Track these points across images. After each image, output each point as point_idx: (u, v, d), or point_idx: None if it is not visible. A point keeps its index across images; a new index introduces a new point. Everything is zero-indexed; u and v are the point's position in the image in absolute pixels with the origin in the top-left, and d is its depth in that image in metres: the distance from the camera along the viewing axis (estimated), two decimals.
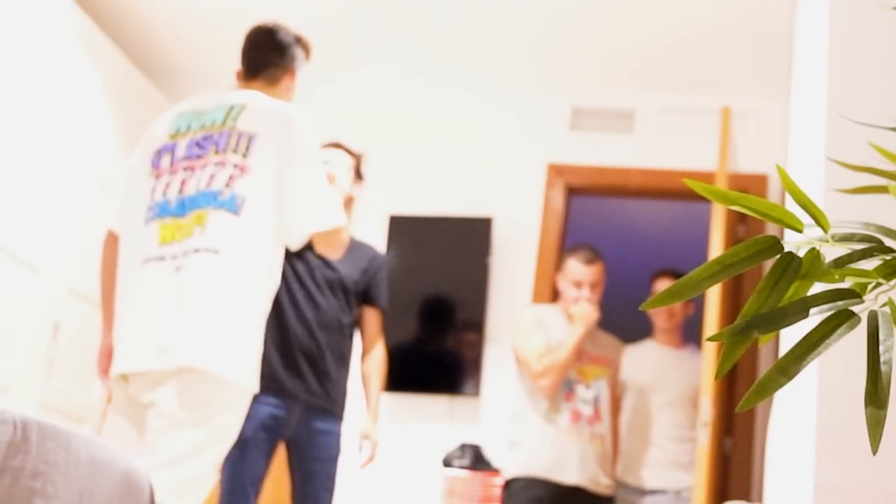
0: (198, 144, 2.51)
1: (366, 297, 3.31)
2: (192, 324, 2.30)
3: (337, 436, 3.17)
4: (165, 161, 2.53)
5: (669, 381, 3.87)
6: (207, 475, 2.29)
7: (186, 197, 2.44)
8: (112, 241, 2.59)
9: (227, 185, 2.41)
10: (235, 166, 2.43)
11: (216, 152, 2.47)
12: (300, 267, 3.18)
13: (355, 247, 3.34)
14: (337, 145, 3.30)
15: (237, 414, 2.36)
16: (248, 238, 2.38)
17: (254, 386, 2.37)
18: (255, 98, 2.59)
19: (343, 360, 3.22)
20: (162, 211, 2.45)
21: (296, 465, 3.12)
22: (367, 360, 3.33)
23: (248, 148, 2.45)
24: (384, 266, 3.39)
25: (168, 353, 2.27)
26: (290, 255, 3.15)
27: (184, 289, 2.33)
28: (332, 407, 3.15)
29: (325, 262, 3.23)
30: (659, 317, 4.05)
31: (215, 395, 2.29)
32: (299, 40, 2.82)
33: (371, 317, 3.34)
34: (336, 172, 3.20)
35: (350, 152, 3.33)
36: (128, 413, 2.38)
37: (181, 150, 2.53)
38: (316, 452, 3.10)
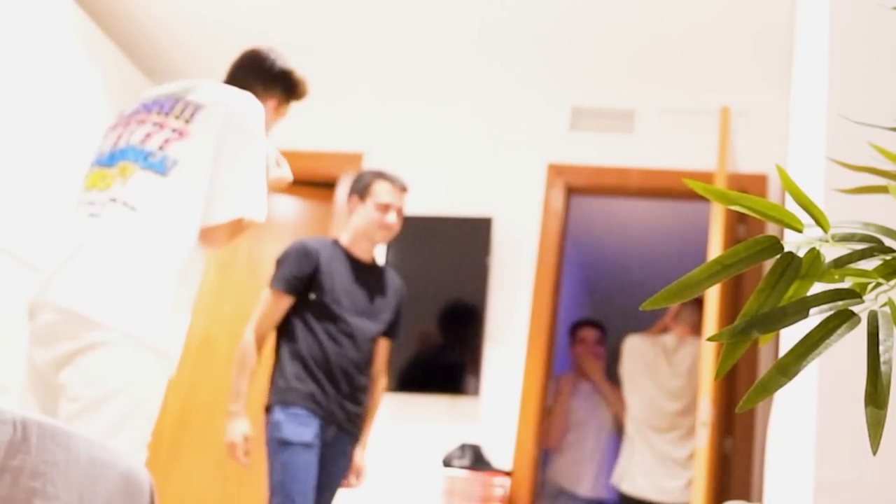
0: (145, 106, 2.57)
1: (387, 330, 3.40)
2: (89, 271, 2.27)
3: (351, 455, 3.29)
4: (118, 120, 2.61)
5: None
6: (136, 452, 2.24)
7: (117, 149, 2.48)
8: None
9: (161, 148, 2.41)
10: (174, 130, 2.44)
11: (158, 113, 2.50)
12: (346, 294, 3.26)
13: (387, 277, 3.43)
14: (404, 189, 3.41)
15: (152, 385, 2.28)
16: (170, 199, 2.36)
17: (163, 348, 2.29)
18: (213, 82, 2.63)
19: (368, 380, 3.32)
20: (97, 161, 2.51)
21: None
22: (376, 392, 3.39)
23: (192, 115, 2.46)
24: (405, 300, 3.49)
25: (53, 290, 2.27)
26: (337, 278, 3.25)
27: (93, 236, 2.32)
28: (356, 431, 3.28)
29: (370, 289, 3.32)
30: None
31: (122, 367, 2.23)
32: (288, 73, 2.81)
33: (384, 348, 3.41)
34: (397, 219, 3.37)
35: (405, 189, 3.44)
36: (39, 394, 2.34)
37: (129, 109, 2.60)
38: (336, 469, 3.21)
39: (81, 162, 3.95)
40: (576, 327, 5.07)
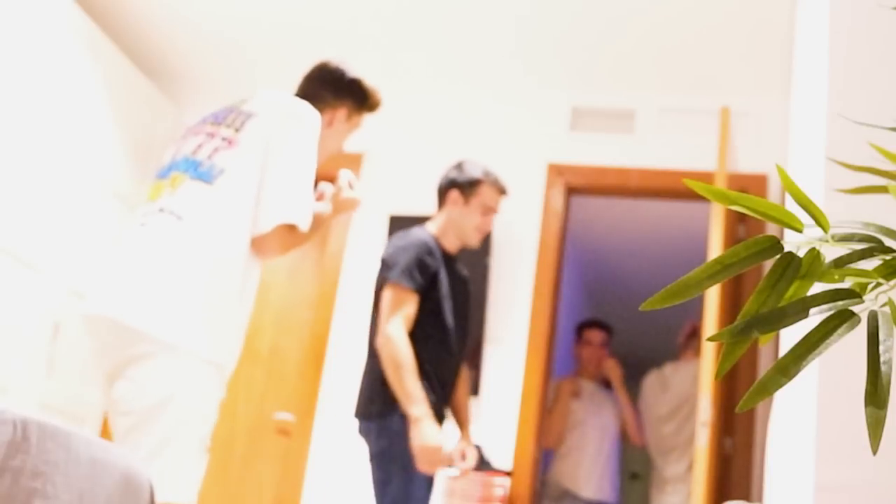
0: (203, 118, 2.59)
1: None
2: (134, 281, 2.27)
3: None
4: (182, 133, 2.64)
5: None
6: (195, 457, 2.24)
7: (173, 161, 2.49)
8: None
9: (210, 157, 2.41)
10: (224, 139, 2.44)
11: (212, 124, 2.52)
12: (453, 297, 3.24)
13: (463, 272, 3.41)
14: (503, 192, 3.40)
15: (203, 391, 2.26)
16: (216, 208, 2.34)
17: (208, 354, 2.25)
18: (273, 91, 2.63)
19: None
20: (157, 174, 2.54)
21: None
22: (466, 382, 3.46)
23: (242, 124, 2.46)
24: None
25: (100, 302, 2.27)
26: (444, 279, 3.21)
27: (140, 245, 2.33)
28: None
29: (459, 290, 3.29)
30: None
31: (169, 376, 2.21)
32: (357, 82, 2.80)
33: None
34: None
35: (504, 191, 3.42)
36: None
37: (192, 123, 2.63)
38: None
39: (82, 162, 3.97)
40: (582, 328, 5.07)
